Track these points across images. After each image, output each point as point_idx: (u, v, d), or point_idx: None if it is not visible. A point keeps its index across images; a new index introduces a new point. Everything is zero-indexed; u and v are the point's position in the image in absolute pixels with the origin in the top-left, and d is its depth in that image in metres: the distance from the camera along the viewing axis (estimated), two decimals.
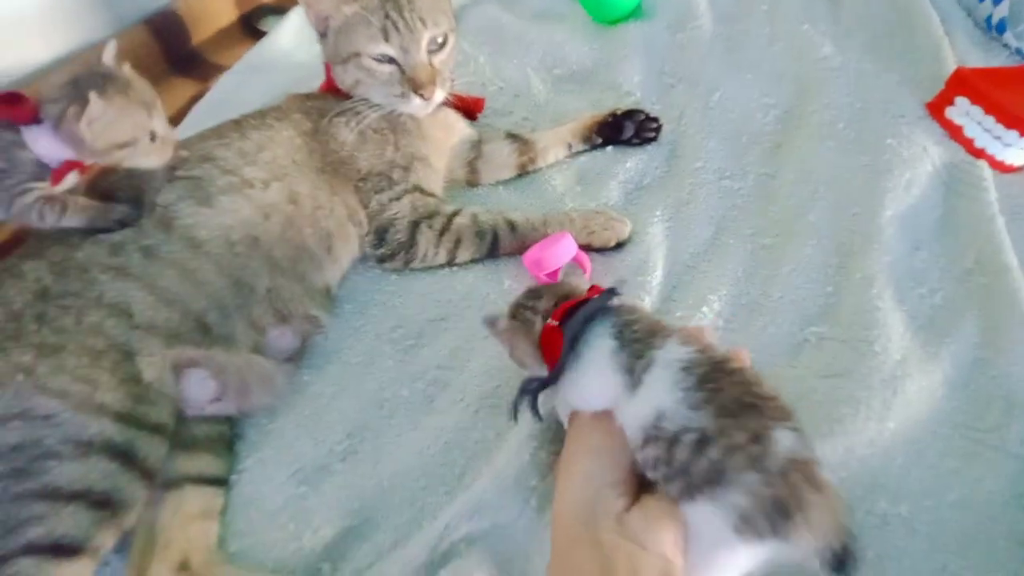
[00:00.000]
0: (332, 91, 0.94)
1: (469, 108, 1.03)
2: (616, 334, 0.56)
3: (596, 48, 1.16)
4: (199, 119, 1.05)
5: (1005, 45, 1.08)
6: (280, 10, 1.24)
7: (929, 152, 0.92)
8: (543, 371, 0.59)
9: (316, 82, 1.02)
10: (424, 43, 0.86)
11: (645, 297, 0.80)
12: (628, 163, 0.98)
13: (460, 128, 0.99)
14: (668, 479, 0.50)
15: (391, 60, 0.86)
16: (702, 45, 1.14)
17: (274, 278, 0.78)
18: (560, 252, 0.81)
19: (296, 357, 0.80)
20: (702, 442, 0.49)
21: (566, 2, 1.26)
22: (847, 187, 0.90)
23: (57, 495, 0.61)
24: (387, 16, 0.84)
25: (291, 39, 1.20)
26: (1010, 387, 0.69)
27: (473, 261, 0.88)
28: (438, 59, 0.88)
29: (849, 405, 0.68)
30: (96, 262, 0.72)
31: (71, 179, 0.76)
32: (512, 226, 0.87)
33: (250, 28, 1.22)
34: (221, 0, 1.19)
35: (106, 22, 1.07)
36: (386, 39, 0.84)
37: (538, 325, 0.59)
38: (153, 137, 0.74)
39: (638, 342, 0.55)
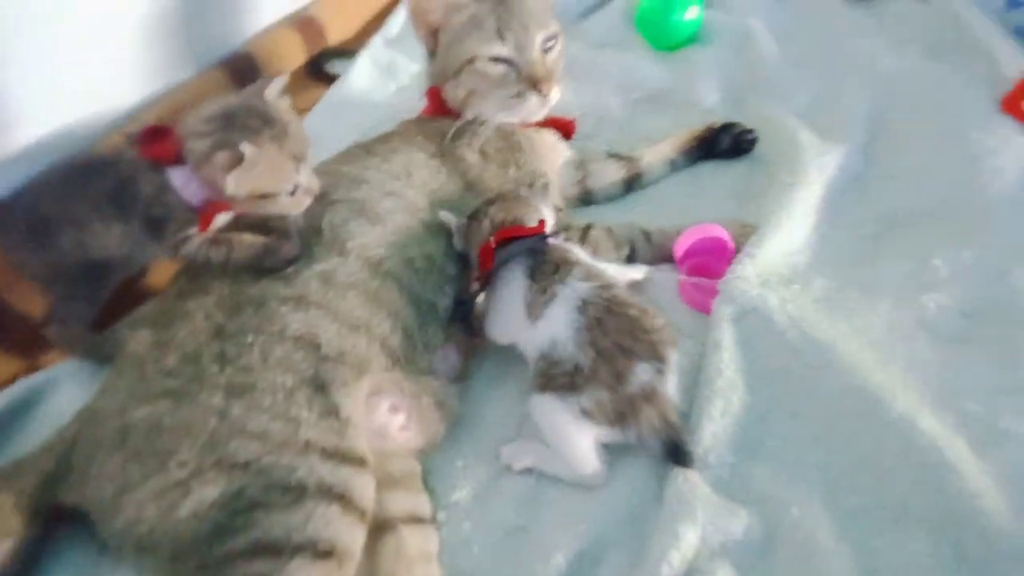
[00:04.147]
0: (438, 114, 0.93)
1: (564, 129, 1.02)
2: (529, 272, 0.68)
3: (667, 71, 1.19)
4: None
5: None
6: (344, 53, 1.23)
7: (1011, 141, 0.96)
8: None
9: (398, 120, 1.00)
10: (538, 41, 0.87)
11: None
12: (733, 174, 0.99)
13: (563, 148, 0.99)
14: (534, 375, 0.66)
15: (506, 61, 0.87)
16: (768, 62, 1.18)
17: (449, 294, 0.74)
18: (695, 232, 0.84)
19: (461, 377, 0.76)
20: (576, 370, 0.63)
21: (624, 32, 1.29)
22: (944, 177, 0.92)
23: (274, 550, 0.55)
24: (499, 18, 0.86)
25: (365, 80, 1.20)
26: None
27: None
28: (550, 58, 0.90)
29: None
30: (273, 294, 0.67)
31: (221, 220, 0.71)
32: (647, 236, 0.87)
33: (316, 71, 1.20)
34: (291, 43, 1.18)
35: (189, 64, 1.04)
36: (501, 39, 0.86)
37: (484, 231, 0.72)
38: (295, 189, 0.69)
39: (544, 277, 0.67)
